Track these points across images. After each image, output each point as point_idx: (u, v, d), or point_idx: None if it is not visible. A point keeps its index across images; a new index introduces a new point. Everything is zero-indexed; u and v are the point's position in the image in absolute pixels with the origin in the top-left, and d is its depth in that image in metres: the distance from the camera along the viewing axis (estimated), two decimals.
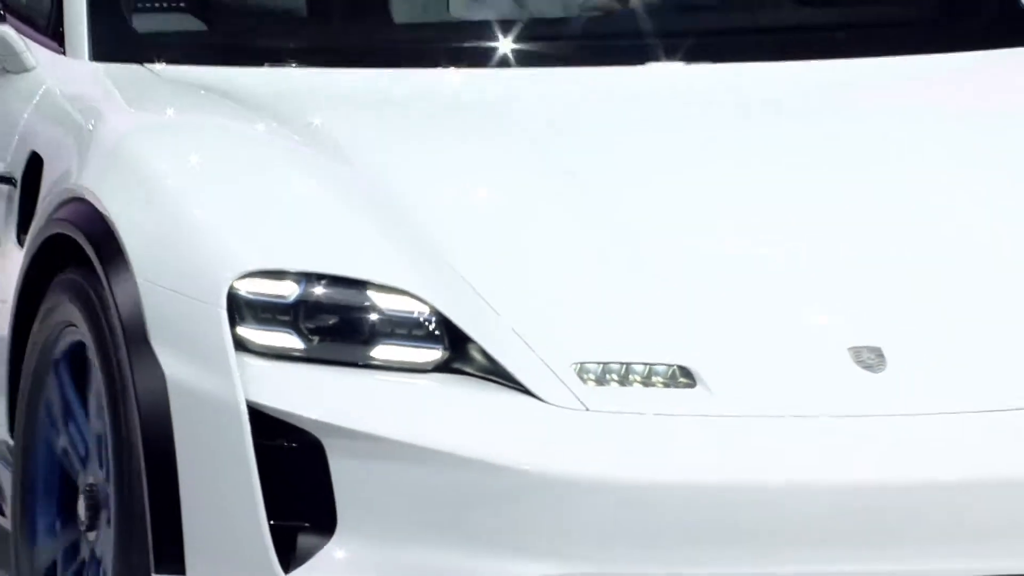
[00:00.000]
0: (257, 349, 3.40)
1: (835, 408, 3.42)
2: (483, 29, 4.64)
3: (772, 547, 3.40)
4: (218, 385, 3.38)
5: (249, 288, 3.42)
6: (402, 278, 3.46)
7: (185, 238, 3.62)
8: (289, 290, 3.44)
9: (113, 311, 3.59)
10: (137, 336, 3.48)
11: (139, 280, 3.49)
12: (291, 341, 3.42)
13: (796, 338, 3.58)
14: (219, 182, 3.81)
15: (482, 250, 3.65)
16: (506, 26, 4.66)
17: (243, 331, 3.40)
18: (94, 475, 3.77)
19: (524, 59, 4.47)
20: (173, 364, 3.43)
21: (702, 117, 4.36)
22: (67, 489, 3.88)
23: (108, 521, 3.73)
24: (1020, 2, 4.72)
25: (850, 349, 3.49)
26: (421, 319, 3.44)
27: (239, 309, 3.41)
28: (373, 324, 3.46)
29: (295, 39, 4.66)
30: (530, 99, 4.38)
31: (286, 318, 3.44)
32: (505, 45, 4.55)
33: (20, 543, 4.03)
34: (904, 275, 3.77)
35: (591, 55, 4.55)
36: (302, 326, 3.44)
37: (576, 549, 3.38)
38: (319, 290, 3.47)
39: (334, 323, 3.46)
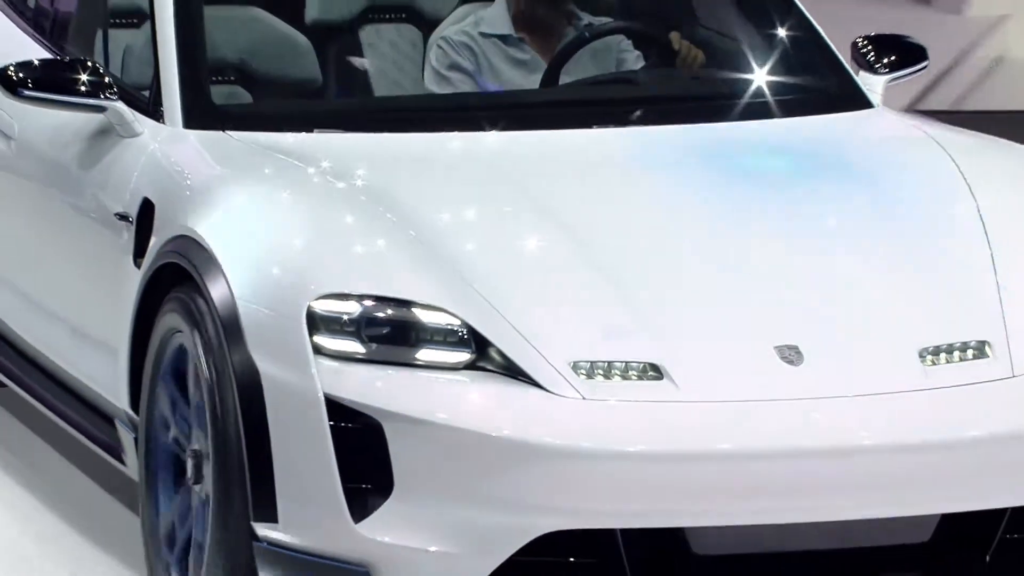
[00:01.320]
0: (329, 353, 3.88)
1: (765, 394, 3.94)
2: (482, 99, 5.16)
3: (726, 499, 3.90)
4: (301, 381, 3.86)
5: (323, 307, 3.90)
6: (438, 298, 3.95)
7: (272, 267, 4.10)
8: (353, 308, 3.91)
9: (214, 322, 4.08)
10: (237, 343, 3.98)
11: (238, 301, 3.99)
12: (355, 347, 3.90)
13: (735, 341, 4.08)
14: (295, 223, 4.27)
15: (497, 275, 4.10)
16: (499, 98, 5.23)
17: (319, 339, 3.87)
18: (200, 443, 4.23)
19: (519, 123, 4.89)
20: (266, 365, 3.92)
21: (654, 170, 4.78)
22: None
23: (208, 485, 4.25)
24: (854, 77, 5.24)
25: (775, 348, 4.01)
26: (453, 329, 3.92)
27: (315, 323, 3.89)
28: (417, 333, 3.93)
29: (333, 111, 5.18)
30: (525, 156, 4.80)
31: (351, 329, 3.91)
32: (503, 113, 5.03)
33: (145, 484, 4.49)
34: (810, 290, 4.31)
35: (555, 121, 4.93)
36: (363, 335, 3.91)
37: (582, 506, 3.86)
38: (376, 308, 3.95)
39: (387, 332, 3.92)
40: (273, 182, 4.52)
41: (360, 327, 3.94)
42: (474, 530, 3.87)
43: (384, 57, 5.38)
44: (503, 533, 3.85)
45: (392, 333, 3.96)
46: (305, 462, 3.91)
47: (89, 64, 4.86)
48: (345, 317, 3.95)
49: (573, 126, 4.95)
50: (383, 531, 3.87)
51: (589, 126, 4.95)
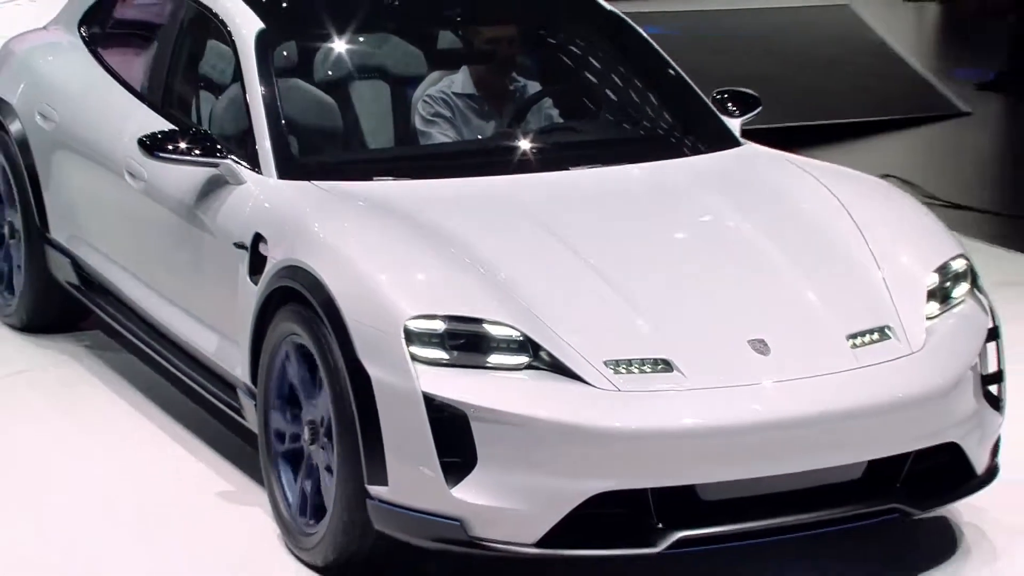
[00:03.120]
0: (422, 360, 4.37)
1: (749, 379, 4.48)
2: (491, 148, 5.80)
3: (728, 459, 4.40)
4: (404, 382, 4.36)
5: (415, 325, 4.40)
6: (501, 315, 4.46)
7: (371, 292, 4.55)
8: (439, 325, 4.41)
9: (328, 333, 4.56)
10: (350, 354, 4.47)
11: (346, 318, 4.48)
12: (441, 355, 4.39)
13: (718, 337, 4.60)
14: (382, 255, 4.73)
15: (542, 295, 4.60)
16: (497, 144, 5.81)
17: (413, 349, 4.37)
18: (312, 415, 4.75)
19: (524, 165, 5.53)
20: (375, 370, 4.41)
21: (628, 204, 5.37)
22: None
23: (322, 443, 4.71)
24: (724, 121, 5.94)
25: (748, 341, 4.56)
26: (514, 338, 4.41)
27: (410, 337, 4.38)
28: (487, 343, 4.43)
29: (393, 162, 5.71)
30: (534, 193, 5.33)
31: (437, 341, 4.41)
32: (511, 156, 5.61)
33: (263, 427, 5.01)
34: (761, 294, 4.85)
35: (549, 163, 5.52)
36: (447, 345, 4.41)
37: (621, 470, 4.33)
38: (455, 324, 4.43)
39: (464, 343, 4.42)
40: (357, 222, 5.00)
41: (444, 339, 4.43)
42: (541, 492, 4.33)
43: (366, 105, 5.91)
44: (563, 494, 4.32)
45: (468, 343, 4.44)
46: (410, 441, 4.37)
47: (204, 132, 5.52)
48: (433, 332, 4.43)
49: (564, 167, 5.54)
50: (471, 494, 4.34)
51: (567, 168, 5.53)
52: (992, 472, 4.96)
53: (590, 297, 4.72)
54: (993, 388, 5.00)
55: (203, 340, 5.53)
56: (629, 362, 4.49)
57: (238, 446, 5.63)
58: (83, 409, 6.19)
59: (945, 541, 5.16)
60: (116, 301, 6.15)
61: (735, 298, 4.86)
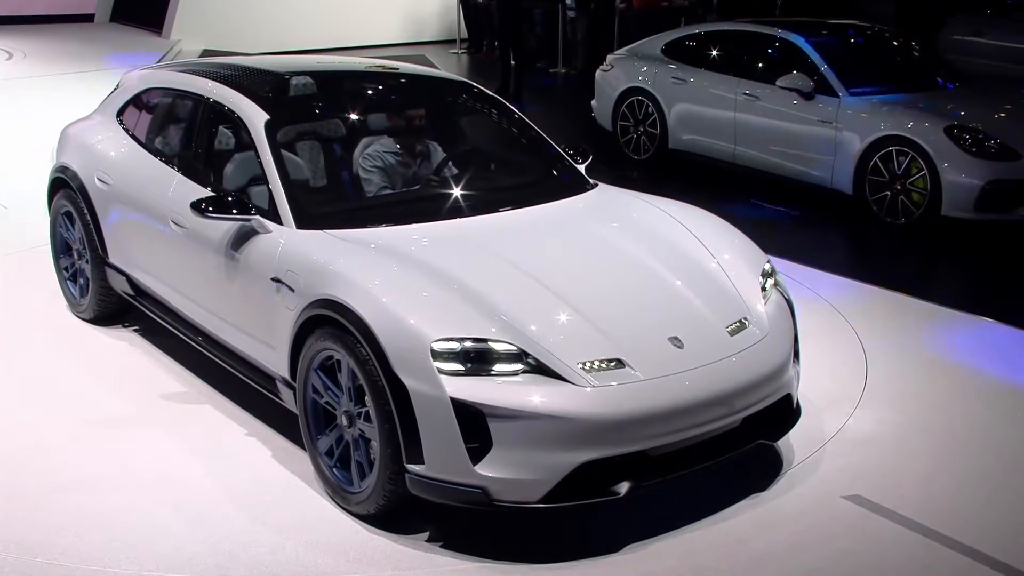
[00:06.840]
0: (446, 372, 4.84)
1: (676, 368, 5.12)
2: (447, 195, 6.50)
3: (667, 429, 5.03)
4: (434, 390, 4.85)
5: (439, 346, 4.89)
6: (500, 334, 4.96)
7: (398, 319, 5.02)
8: (455, 345, 4.90)
9: (365, 350, 5.03)
10: (388, 369, 4.97)
11: (383, 342, 4.99)
12: (460, 367, 4.88)
13: (650, 340, 5.21)
14: (402, 289, 5.22)
15: (524, 315, 5.12)
16: (459, 191, 6.54)
17: (438, 364, 4.85)
18: (348, 407, 5.31)
19: (475, 210, 6.25)
20: (409, 381, 4.91)
21: (548, 237, 6.03)
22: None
23: (357, 430, 5.21)
24: (582, 171, 6.97)
25: (668, 339, 5.23)
26: (511, 352, 4.92)
27: (435, 355, 4.87)
28: (492, 356, 4.93)
29: (377, 211, 6.32)
30: (488, 235, 5.94)
31: (455, 356, 4.89)
32: (469, 200, 6.41)
33: (306, 424, 5.64)
34: (664, 302, 5.49)
35: (483, 209, 6.23)
36: (462, 359, 4.89)
37: (599, 444, 4.85)
38: (468, 344, 4.91)
39: (475, 356, 4.91)
40: (374, 263, 5.50)
41: (460, 355, 4.92)
42: (541, 465, 4.84)
43: (312, 160, 6.67)
44: (558, 465, 4.86)
45: (478, 357, 4.94)
46: (441, 432, 4.87)
47: (238, 197, 6.21)
48: (452, 351, 4.92)
49: (496, 209, 6.33)
50: (489, 468, 4.86)
51: (497, 210, 6.30)
52: (799, 407, 5.91)
53: (555, 314, 5.25)
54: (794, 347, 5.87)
55: (241, 342, 6.19)
56: (594, 363, 5.02)
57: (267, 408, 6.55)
58: (135, 369, 7.55)
59: (775, 457, 6.04)
60: (160, 305, 7.04)
61: (648, 305, 5.48)
